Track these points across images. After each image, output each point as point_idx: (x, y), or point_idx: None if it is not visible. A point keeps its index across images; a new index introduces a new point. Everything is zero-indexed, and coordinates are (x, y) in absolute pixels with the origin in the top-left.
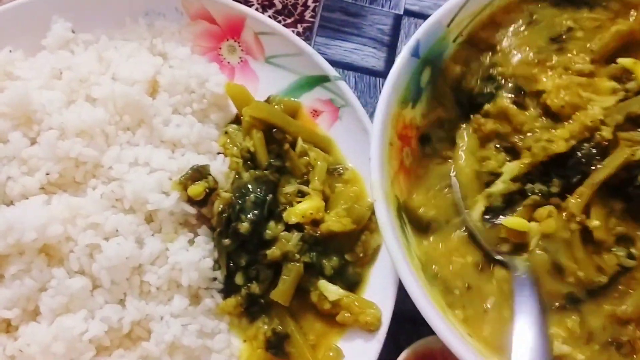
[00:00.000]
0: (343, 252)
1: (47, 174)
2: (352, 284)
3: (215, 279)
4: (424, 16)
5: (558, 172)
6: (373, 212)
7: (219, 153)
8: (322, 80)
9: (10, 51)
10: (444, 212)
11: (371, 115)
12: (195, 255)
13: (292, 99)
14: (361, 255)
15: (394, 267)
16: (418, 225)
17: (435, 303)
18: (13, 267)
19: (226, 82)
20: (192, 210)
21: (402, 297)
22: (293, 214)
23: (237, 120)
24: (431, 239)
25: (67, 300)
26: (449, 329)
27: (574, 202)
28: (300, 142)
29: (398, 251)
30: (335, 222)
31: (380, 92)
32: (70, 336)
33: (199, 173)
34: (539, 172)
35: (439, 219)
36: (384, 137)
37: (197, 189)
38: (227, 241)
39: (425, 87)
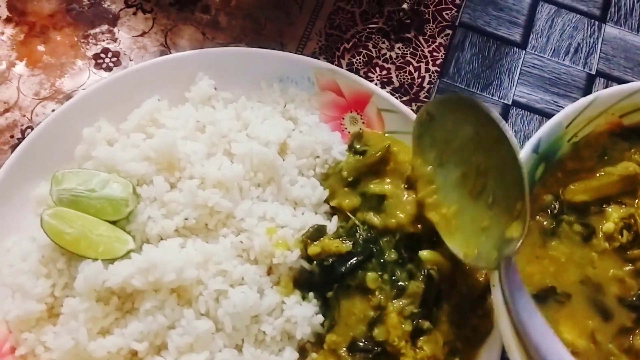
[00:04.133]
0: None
1: (186, 219)
2: None
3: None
4: (530, 108)
5: None
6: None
7: (333, 214)
8: None
9: (159, 100)
10: None
11: None
12: (309, 311)
13: None
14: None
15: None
16: None
17: None
18: (148, 303)
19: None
20: (308, 266)
21: None
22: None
23: None
24: None
25: (193, 340)
26: None
27: None
28: None
29: (512, 341)
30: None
31: None
32: None
33: (319, 232)
34: None
35: None
36: None
37: (316, 248)
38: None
39: (538, 181)
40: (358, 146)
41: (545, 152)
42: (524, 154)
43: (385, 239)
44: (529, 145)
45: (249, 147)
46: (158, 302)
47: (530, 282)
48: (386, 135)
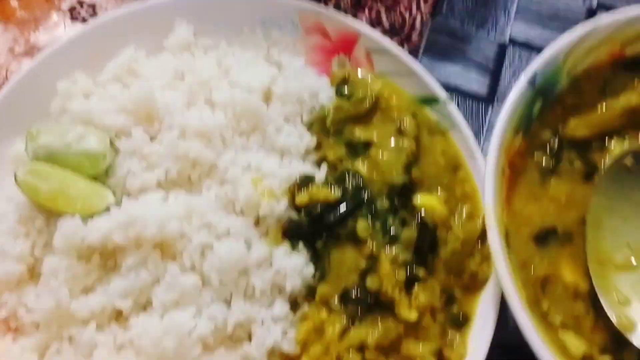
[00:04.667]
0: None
1: (167, 172)
2: (457, 324)
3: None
4: (528, 46)
5: None
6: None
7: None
8: (430, 101)
9: (136, 49)
10: None
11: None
12: (298, 262)
13: None
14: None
15: (504, 299)
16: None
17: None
18: (130, 258)
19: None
20: (296, 216)
21: None
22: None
23: None
24: None
25: (178, 296)
26: None
27: None
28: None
29: (511, 284)
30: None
31: (482, 117)
32: (180, 332)
33: (306, 181)
34: None
35: None
36: (499, 164)
37: (304, 197)
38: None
39: (535, 119)
40: (345, 90)
41: (543, 86)
42: (518, 87)
43: (377, 187)
44: (525, 77)
45: (230, 95)
46: (140, 258)
47: (529, 223)
48: (376, 77)
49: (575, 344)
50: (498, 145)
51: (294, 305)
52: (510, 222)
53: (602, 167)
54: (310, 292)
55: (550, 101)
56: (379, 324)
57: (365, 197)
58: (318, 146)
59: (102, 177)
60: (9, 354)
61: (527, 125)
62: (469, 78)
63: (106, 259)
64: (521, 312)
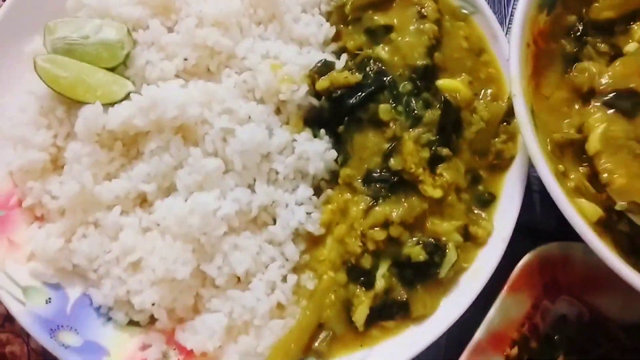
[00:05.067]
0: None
1: (185, 60)
2: (483, 202)
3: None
4: None
5: None
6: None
7: (341, 52)
8: None
9: None
10: None
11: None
12: (320, 146)
13: None
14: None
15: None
16: None
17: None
18: (152, 143)
19: None
20: (317, 103)
21: None
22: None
23: None
24: None
25: (202, 179)
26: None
27: None
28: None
29: (538, 150)
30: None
31: (504, 7)
32: (204, 211)
33: (327, 68)
34: None
35: None
36: (523, 36)
37: (324, 82)
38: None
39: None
40: None
41: None
42: None
43: (398, 71)
44: None
45: None
46: (163, 143)
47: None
48: None
49: (590, 209)
50: (523, 16)
51: (318, 191)
52: (536, 102)
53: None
54: (333, 178)
55: None
56: (403, 201)
57: (387, 80)
58: (337, 37)
59: (120, 69)
60: (36, 241)
61: (552, 2)
62: None
63: (128, 146)
64: (550, 179)
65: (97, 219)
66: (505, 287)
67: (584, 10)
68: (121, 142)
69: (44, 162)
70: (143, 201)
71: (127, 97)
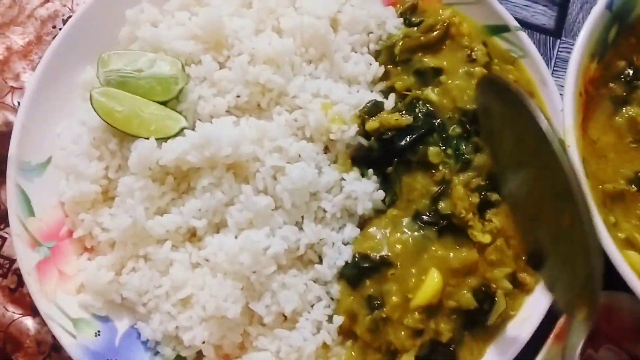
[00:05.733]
0: None
1: (238, 97)
2: None
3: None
4: None
5: None
6: None
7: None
8: (501, 30)
9: None
10: None
11: None
12: (369, 186)
13: None
14: None
15: None
16: None
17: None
18: (205, 180)
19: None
20: (366, 143)
21: None
22: None
23: None
24: None
25: (252, 216)
26: None
27: None
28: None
29: (592, 204)
30: None
31: (550, 50)
32: (255, 249)
33: (376, 108)
34: None
35: None
36: (577, 86)
37: (374, 123)
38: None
39: (611, 45)
40: (413, 18)
41: (619, 10)
42: (597, 10)
43: (447, 114)
44: (602, 1)
45: (298, 21)
46: (215, 179)
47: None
48: (445, 4)
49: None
50: (577, 66)
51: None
52: (585, 148)
53: None
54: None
55: (626, 26)
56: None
57: (436, 123)
58: (385, 76)
59: (172, 104)
60: (86, 272)
61: (602, 51)
62: (536, 11)
63: (179, 180)
64: (606, 237)
65: (147, 253)
66: (552, 336)
67: (635, 57)
68: (172, 177)
69: (96, 194)
70: (192, 235)
71: (180, 132)
